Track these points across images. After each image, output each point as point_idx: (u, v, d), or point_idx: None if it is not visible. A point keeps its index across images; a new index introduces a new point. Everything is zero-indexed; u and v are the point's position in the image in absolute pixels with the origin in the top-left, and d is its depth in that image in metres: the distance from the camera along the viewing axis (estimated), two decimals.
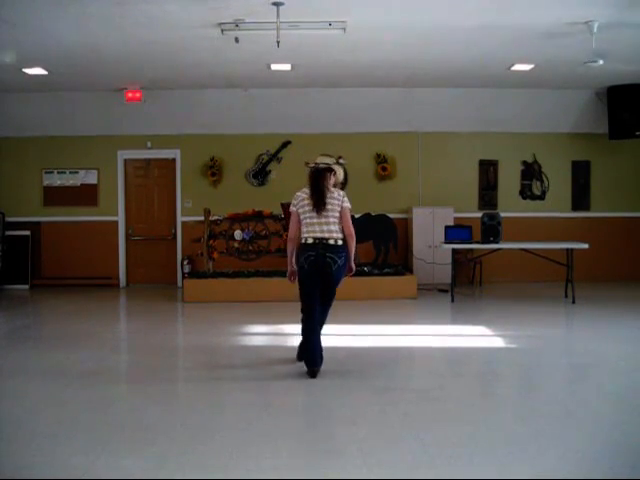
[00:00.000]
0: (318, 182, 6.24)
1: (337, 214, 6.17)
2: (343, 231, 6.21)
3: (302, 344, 6.46)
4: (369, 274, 11.19)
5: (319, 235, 6.11)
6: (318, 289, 6.27)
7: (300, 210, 6.25)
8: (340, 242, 6.14)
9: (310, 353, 6.21)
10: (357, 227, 11.33)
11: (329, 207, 6.15)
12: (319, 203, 6.15)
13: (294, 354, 7.10)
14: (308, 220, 6.18)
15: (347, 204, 6.23)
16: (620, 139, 12.44)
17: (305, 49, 9.50)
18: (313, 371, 6.16)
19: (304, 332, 6.31)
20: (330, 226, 6.14)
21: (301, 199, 6.28)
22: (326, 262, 6.10)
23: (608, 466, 4.14)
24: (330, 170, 6.35)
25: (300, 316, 6.39)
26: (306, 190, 6.32)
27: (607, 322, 9.00)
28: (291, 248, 6.37)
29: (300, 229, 6.28)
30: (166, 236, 13.27)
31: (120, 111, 12.45)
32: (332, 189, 6.25)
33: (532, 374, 6.62)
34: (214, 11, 7.79)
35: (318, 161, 6.43)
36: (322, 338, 6.37)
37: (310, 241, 6.13)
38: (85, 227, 13.10)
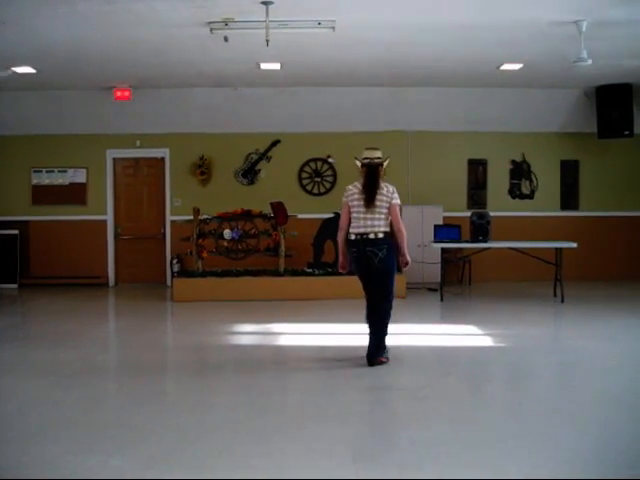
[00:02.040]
0: (371, 178, 6.41)
1: (384, 210, 6.34)
2: (391, 225, 6.42)
3: None
4: None
5: (362, 230, 6.35)
6: (369, 282, 6.55)
7: (351, 203, 6.44)
8: (381, 235, 6.32)
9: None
10: None
11: (377, 203, 6.33)
12: (369, 200, 6.33)
13: (283, 353, 7.12)
14: (355, 215, 6.40)
15: (396, 200, 6.40)
16: (609, 138, 12.48)
17: (294, 48, 9.49)
18: (368, 361, 6.48)
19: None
20: (374, 221, 6.34)
21: (352, 192, 6.47)
22: (367, 256, 6.34)
23: (597, 464, 4.15)
24: (382, 164, 6.53)
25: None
26: (357, 184, 6.49)
27: (596, 321, 9.04)
28: (341, 237, 6.62)
29: (350, 220, 6.50)
30: (155, 235, 13.24)
31: (109, 110, 12.40)
32: (382, 185, 6.40)
33: (521, 373, 6.64)
34: (203, 10, 7.76)
35: (367, 155, 6.53)
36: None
37: (353, 237, 6.41)
38: (74, 226, 13.04)
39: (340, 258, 6.72)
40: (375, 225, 6.33)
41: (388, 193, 6.37)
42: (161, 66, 10.57)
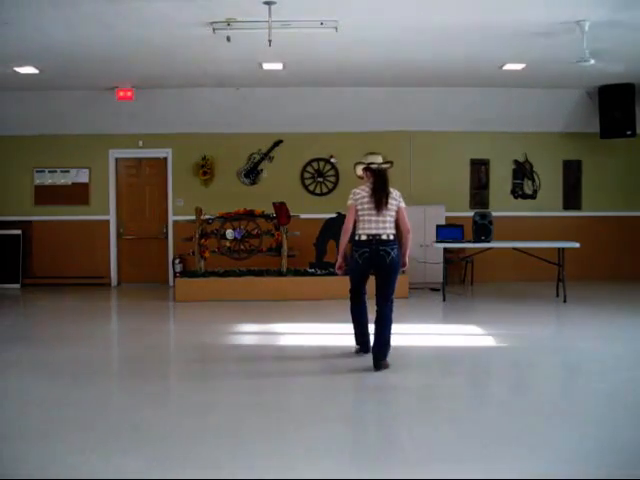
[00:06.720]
0: (382, 184, 6.53)
1: (393, 213, 6.50)
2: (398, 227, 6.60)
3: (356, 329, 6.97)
4: None
5: (374, 232, 6.44)
6: (369, 280, 6.75)
7: (360, 206, 6.51)
8: (392, 237, 6.47)
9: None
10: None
11: (389, 207, 6.48)
12: (381, 204, 6.44)
13: (285, 353, 7.10)
14: (367, 218, 6.48)
15: (403, 204, 6.61)
16: (611, 138, 12.47)
17: (297, 48, 9.49)
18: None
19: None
20: (386, 224, 6.48)
21: (361, 196, 6.53)
22: (380, 255, 6.41)
23: (598, 465, 4.15)
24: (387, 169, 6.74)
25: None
26: (365, 188, 6.56)
27: (598, 321, 9.04)
28: (346, 239, 6.74)
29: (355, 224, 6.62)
30: (158, 235, 13.25)
31: (111, 110, 12.41)
32: (391, 189, 6.55)
33: (523, 373, 6.64)
34: (205, 10, 7.77)
35: (371, 160, 6.69)
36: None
37: (364, 238, 6.46)
38: (76, 226, 13.06)
39: (339, 260, 6.79)
40: (387, 227, 6.45)
41: (397, 197, 6.55)
42: (164, 66, 10.58)
